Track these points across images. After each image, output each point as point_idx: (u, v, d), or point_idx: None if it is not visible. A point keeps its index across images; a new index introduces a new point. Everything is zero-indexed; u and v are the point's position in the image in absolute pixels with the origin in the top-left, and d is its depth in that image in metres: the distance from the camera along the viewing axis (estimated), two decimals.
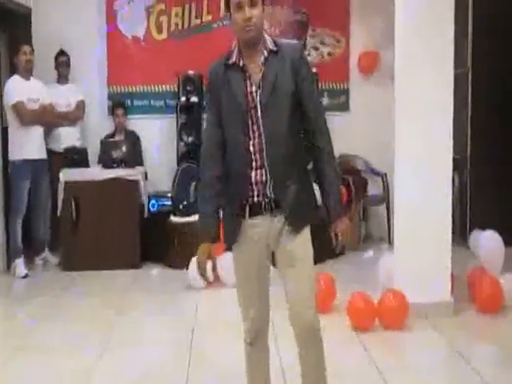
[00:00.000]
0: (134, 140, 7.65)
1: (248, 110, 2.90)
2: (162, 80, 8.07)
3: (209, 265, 3.08)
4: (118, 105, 7.86)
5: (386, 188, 7.61)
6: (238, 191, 2.94)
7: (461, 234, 7.15)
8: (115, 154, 7.15)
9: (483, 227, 5.90)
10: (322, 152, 2.98)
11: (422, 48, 5.10)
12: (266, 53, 2.90)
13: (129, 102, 8.10)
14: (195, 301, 5.80)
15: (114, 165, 7.10)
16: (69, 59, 7.57)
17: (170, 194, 7.23)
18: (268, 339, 3.19)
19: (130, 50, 8.10)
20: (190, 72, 7.81)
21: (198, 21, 8.10)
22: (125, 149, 7.16)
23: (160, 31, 8.12)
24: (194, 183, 7.04)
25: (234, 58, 2.91)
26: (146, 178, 7.39)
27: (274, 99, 2.89)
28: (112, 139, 7.58)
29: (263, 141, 2.90)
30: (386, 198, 7.62)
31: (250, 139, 2.91)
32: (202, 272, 3.12)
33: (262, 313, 3.11)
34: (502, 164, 7.23)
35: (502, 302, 5.24)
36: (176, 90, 7.92)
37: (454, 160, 5.40)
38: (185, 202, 7.01)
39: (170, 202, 7.19)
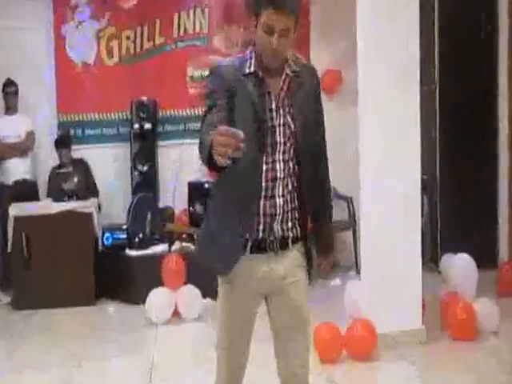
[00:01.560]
0: (84, 169, 7.52)
1: (266, 129, 2.67)
2: (114, 107, 7.98)
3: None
4: (62, 145, 7.53)
5: (352, 213, 7.56)
6: (241, 221, 2.67)
7: (431, 258, 7.10)
8: (66, 186, 7.07)
9: (455, 250, 5.87)
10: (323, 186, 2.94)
11: (385, 65, 5.08)
12: (289, 72, 2.71)
13: (80, 131, 7.99)
14: (154, 337, 5.71)
15: (65, 197, 7.00)
16: (17, 89, 7.44)
17: (124, 226, 7.13)
18: None
19: (80, 76, 7.99)
20: (143, 98, 7.76)
21: (151, 44, 8.04)
22: (76, 180, 7.08)
23: (111, 56, 8.03)
24: (149, 214, 6.97)
25: (252, 67, 2.69)
26: (99, 209, 7.31)
27: (302, 126, 2.73)
28: (62, 170, 7.43)
29: (286, 167, 2.70)
30: (352, 224, 7.56)
31: (267, 162, 2.68)
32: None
33: (243, 365, 2.88)
34: (474, 183, 7.18)
35: (477, 328, 5.19)
36: (129, 116, 7.85)
37: (424, 181, 5.39)
38: (141, 235, 6.91)
39: (125, 235, 7.08)
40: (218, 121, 2.53)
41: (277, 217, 2.70)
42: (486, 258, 6.27)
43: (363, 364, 4.79)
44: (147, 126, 7.72)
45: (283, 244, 2.74)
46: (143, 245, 6.84)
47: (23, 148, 7.36)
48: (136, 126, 7.73)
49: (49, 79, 7.93)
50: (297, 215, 2.75)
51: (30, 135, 7.42)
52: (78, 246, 6.78)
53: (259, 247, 2.71)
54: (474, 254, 5.59)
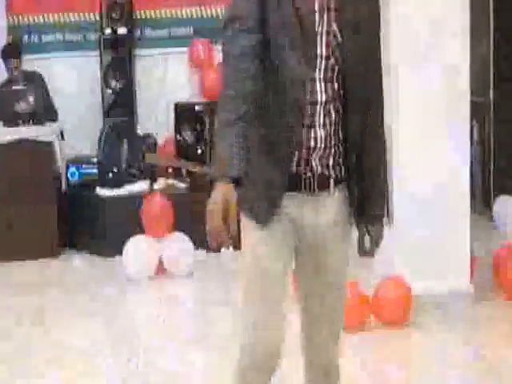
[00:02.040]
0: (39, 86, 7.43)
1: (317, 32, 2.58)
2: (80, 6, 7.95)
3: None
4: (9, 54, 7.45)
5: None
6: (282, 155, 2.61)
7: (483, 201, 7.13)
8: (19, 107, 7.00)
9: (511, 192, 5.90)
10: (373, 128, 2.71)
11: None
12: None
13: (35, 37, 7.97)
14: (134, 299, 5.83)
15: (19, 121, 6.97)
16: None
17: (94, 159, 7.16)
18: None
19: None
20: None
21: None
22: (31, 99, 7.01)
23: None
24: (126, 143, 6.98)
25: None
26: (61, 137, 7.29)
27: (356, 40, 2.60)
28: (13, 88, 7.38)
29: (330, 91, 2.59)
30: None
31: (315, 80, 2.59)
32: (218, 240, 2.49)
33: (280, 325, 2.72)
34: None
35: None
36: (98, 18, 7.82)
37: (474, 104, 5.38)
38: (115, 169, 6.92)
39: (95, 170, 7.11)
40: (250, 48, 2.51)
41: (316, 150, 2.62)
42: None
43: (394, 332, 4.83)
44: (121, 30, 7.69)
45: (322, 183, 2.66)
46: (118, 182, 6.86)
47: None
48: (107, 30, 7.71)
49: None
50: (341, 151, 2.65)
51: None
52: (37, 183, 6.80)
53: (291, 185, 2.63)
54: None
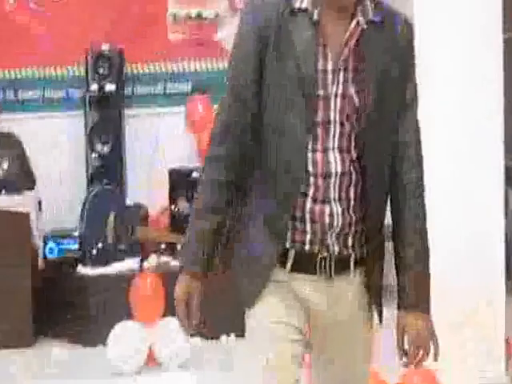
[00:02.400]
0: (16, 150, 7.56)
1: (316, 96, 2.61)
2: (63, 59, 8.08)
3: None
4: None
5: None
6: (277, 227, 2.66)
7: None
8: None
9: None
10: (408, 191, 2.73)
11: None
12: (363, 21, 2.60)
13: (11, 93, 8.10)
14: None
15: None
16: None
17: (76, 233, 7.24)
18: None
19: (13, 16, 8.09)
20: (104, 46, 7.84)
21: None
22: (6, 165, 7.11)
23: None
24: (112, 215, 7.05)
25: (304, 2, 2.60)
26: (39, 208, 7.37)
27: (374, 104, 2.62)
28: None
29: (346, 161, 2.63)
30: None
31: (316, 150, 2.63)
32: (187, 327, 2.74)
33: None
34: None
35: None
36: (83, 73, 7.95)
37: (507, 169, 5.54)
38: (100, 245, 6.99)
39: (76, 245, 7.19)
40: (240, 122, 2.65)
41: (333, 228, 2.63)
42: None
43: None
44: (109, 87, 7.79)
45: (341, 265, 2.67)
46: (103, 260, 6.95)
47: None
48: (94, 86, 7.82)
49: None
50: (362, 229, 2.68)
51: None
52: (9, 261, 6.83)
53: (304, 265, 2.67)
54: None
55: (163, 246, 7.09)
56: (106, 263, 6.94)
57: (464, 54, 5.29)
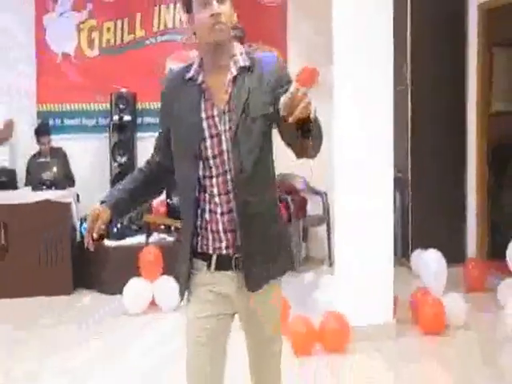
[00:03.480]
0: (62, 159, 7.48)
1: (203, 139, 2.41)
2: (94, 98, 7.97)
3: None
4: (42, 133, 7.54)
5: (327, 208, 7.60)
6: (186, 234, 2.48)
7: (403, 254, 7.18)
8: (45, 176, 7.01)
9: (425, 247, 5.93)
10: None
11: (361, 64, 5.11)
12: (234, 71, 2.42)
13: (59, 121, 7.97)
14: (129, 329, 5.67)
15: (44, 187, 6.95)
16: None
17: None
18: None
19: (60, 67, 7.97)
20: (123, 90, 7.73)
21: (131, 37, 8.01)
22: (55, 169, 7.03)
23: (91, 47, 8.00)
24: None
25: (191, 73, 2.46)
26: (78, 200, 7.26)
27: (245, 125, 2.39)
28: (41, 160, 7.39)
29: (228, 180, 2.40)
30: (326, 218, 7.61)
31: (209, 178, 2.42)
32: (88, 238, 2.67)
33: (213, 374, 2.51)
34: (444, 182, 7.30)
35: (446, 323, 5.25)
36: (108, 108, 7.82)
37: (396, 179, 5.43)
38: (118, 226, 6.87)
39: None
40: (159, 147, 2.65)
41: (222, 236, 2.44)
42: (454, 255, 6.32)
43: (336, 356, 4.82)
44: (126, 117, 7.70)
45: (249, 263, 2.44)
46: (121, 236, 6.82)
47: (2, 136, 7.29)
48: (115, 117, 7.71)
49: (29, 70, 7.87)
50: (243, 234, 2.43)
51: (9, 124, 7.35)
52: (56, 235, 6.74)
53: (223, 265, 2.46)
54: (443, 251, 5.66)
55: (162, 227, 6.98)
56: (122, 238, 6.82)
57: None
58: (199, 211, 2.45)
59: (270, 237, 2.49)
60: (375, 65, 5.12)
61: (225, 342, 2.52)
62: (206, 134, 2.42)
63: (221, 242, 2.45)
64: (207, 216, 2.45)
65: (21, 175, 7.41)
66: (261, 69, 2.44)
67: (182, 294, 2.56)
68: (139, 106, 7.88)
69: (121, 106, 7.72)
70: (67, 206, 6.89)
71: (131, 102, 7.74)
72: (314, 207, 7.81)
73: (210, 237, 2.46)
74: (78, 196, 7.30)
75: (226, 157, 2.41)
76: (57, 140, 7.71)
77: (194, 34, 2.44)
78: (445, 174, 7.30)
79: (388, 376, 4.59)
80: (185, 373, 2.51)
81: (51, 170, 7.09)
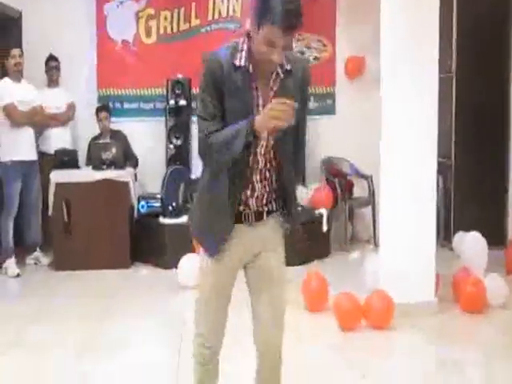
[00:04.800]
0: (122, 140, 7.54)
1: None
2: (151, 83, 8.01)
3: None
4: (102, 108, 7.72)
5: (372, 190, 7.60)
6: (229, 207, 2.68)
7: (445, 236, 7.15)
8: (105, 156, 7.09)
9: (467, 229, 5.92)
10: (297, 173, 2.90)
11: (407, 53, 5.11)
12: (281, 74, 2.62)
13: (119, 104, 8.05)
14: (184, 301, 5.74)
15: (104, 166, 7.03)
16: (59, 64, 7.53)
17: (159, 196, 7.19)
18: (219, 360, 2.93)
19: (119, 53, 8.04)
20: (179, 75, 7.76)
21: (187, 25, 8.06)
22: (114, 150, 7.10)
23: (149, 35, 8.06)
24: (182, 185, 7.03)
25: (242, 61, 2.57)
26: (136, 179, 7.35)
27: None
28: (101, 141, 7.51)
29: (266, 159, 2.68)
30: (371, 200, 7.62)
31: (250, 155, 2.64)
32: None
33: (222, 330, 2.87)
34: (486, 167, 7.24)
35: (486, 302, 5.25)
36: (165, 93, 7.86)
37: (439, 164, 5.42)
38: (174, 204, 6.96)
39: (159, 204, 7.13)
40: (213, 123, 2.60)
41: (254, 196, 2.72)
42: (495, 237, 6.31)
43: (380, 332, 4.86)
44: (182, 102, 7.72)
45: (258, 217, 2.75)
46: (176, 213, 6.89)
47: (64, 118, 7.46)
48: (171, 101, 7.73)
49: (90, 55, 7.97)
50: (273, 195, 2.77)
51: (71, 106, 7.53)
52: (115, 212, 6.84)
53: (237, 220, 2.72)
54: (484, 233, 5.65)
55: None
56: (177, 216, 6.88)
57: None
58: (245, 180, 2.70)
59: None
60: (421, 52, 5.12)
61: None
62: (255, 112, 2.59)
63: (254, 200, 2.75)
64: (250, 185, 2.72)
65: (82, 156, 7.50)
66: (297, 71, 2.66)
67: (216, 251, 2.74)
68: (194, 91, 7.82)
69: (176, 91, 7.73)
70: (126, 184, 6.97)
71: (186, 87, 7.76)
72: (359, 190, 7.84)
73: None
74: (135, 175, 7.39)
75: (261, 143, 2.66)
76: (116, 123, 7.80)
77: (251, 37, 2.56)
78: (487, 159, 7.25)
79: (429, 352, 4.62)
80: (197, 317, 2.84)
81: (111, 150, 7.14)
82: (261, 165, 2.69)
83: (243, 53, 2.57)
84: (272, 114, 2.42)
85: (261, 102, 2.60)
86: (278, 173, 2.73)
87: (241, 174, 2.66)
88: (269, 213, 2.78)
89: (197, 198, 2.90)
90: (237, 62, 2.56)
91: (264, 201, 2.75)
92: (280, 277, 2.83)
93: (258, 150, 2.66)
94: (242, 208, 2.72)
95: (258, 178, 2.70)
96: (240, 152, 2.51)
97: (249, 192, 2.71)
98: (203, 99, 2.63)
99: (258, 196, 2.73)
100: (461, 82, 7.15)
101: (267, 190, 2.74)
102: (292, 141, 2.73)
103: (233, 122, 2.56)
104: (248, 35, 2.58)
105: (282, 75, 2.61)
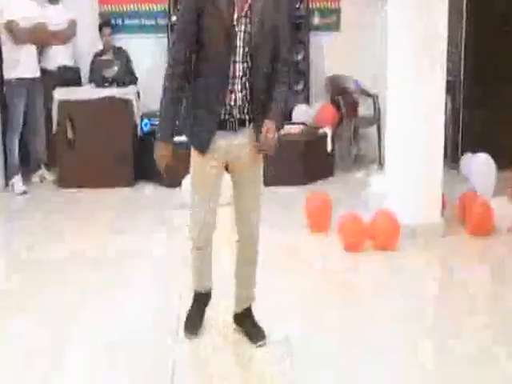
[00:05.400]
0: (124, 58, 7.33)
1: (233, 35, 2.97)
2: None
3: None
4: (105, 24, 7.52)
5: (378, 109, 7.37)
6: (214, 107, 3.06)
7: (452, 157, 6.90)
8: (107, 73, 6.92)
9: (475, 150, 5.73)
10: (283, 62, 3.13)
11: None
12: None
13: (120, 20, 7.79)
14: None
15: (107, 84, 6.86)
16: None
17: None
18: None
19: None
20: None
21: None
22: (116, 67, 6.92)
23: None
24: (185, 101, 6.82)
25: None
26: (138, 97, 7.16)
27: (260, 34, 3.00)
28: (103, 58, 7.28)
29: (244, 68, 3.03)
30: (377, 119, 7.41)
31: (229, 63, 3.01)
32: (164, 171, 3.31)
33: (214, 218, 3.26)
34: (496, 85, 6.88)
35: (493, 224, 5.10)
36: (167, 9, 7.61)
37: (447, 81, 5.18)
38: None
39: None
40: (188, 34, 3.03)
41: (236, 106, 3.07)
42: (504, 160, 6.03)
43: (385, 253, 4.74)
44: None
45: (240, 124, 3.11)
46: (179, 133, 6.70)
47: (66, 35, 7.22)
48: (173, 18, 7.43)
49: None
50: (252, 105, 3.09)
51: (72, 23, 7.28)
52: (119, 130, 6.70)
53: (222, 127, 3.09)
54: (493, 155, 5.46)
55: None
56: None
57: None
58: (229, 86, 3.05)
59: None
60: None
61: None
62: (233, 31, 2.98)
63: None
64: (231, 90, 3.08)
65: (84, 73, 7.32)
66: None
67: (206, 147, 3.14)
68: None
69: (179, 7, 7.42)
70: (129, 102, 6.81)
71: None
72: (365, 108, 7.61)
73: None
74: (138, 93, 7.20)
75: (241, 52, 3.02)
76: (117, 39, 7.57)
77: None
78: (498, 78, 6.89)
79: (434, 273, 4.52)
80: (193, 213, 3.29)
81: (113, 67, 6.98)
82: (240, 73, 3.03)
83: None
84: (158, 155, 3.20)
85: (236, 15, 2.95)
86: (254, 82, 3.07)
87: (221, 81, 3.02)
88: (250, 121, 3.13)
89: (187, 102, 3.23)
90: None
91: (245, 110, 3.10)
92: (256, 177, 3.24)
93: (237, 59, 3.01)
94: (227, 116, 3.07)
95: (239, 87, 3.05)
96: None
97: (232, 102, 3.06)
98: (182, 14, 3.11)
99: (240, 105, 3.07)
100: None
101: (247, 99, 3.08)
102: (269, 51, 3.07)
103: (211, 35, 2.98)
104: None
105: None
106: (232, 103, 3.05)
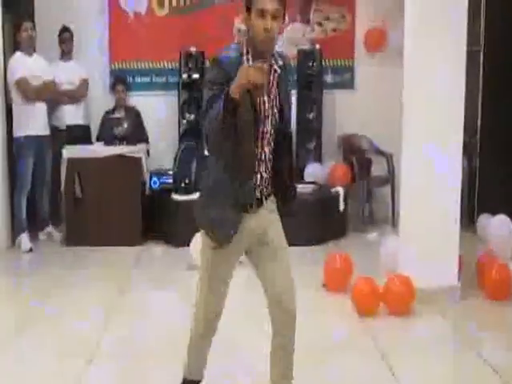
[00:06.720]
0: (135, 116, 7.36)
1: (262, 118, 2.82)
2: (164, 56, 7.79)
3: None
4: (119, 81, 7.57)
5: (392, 169, 7.28)
6: (239, 196, 2.84)
7: (469, 217, 6.75)
8: (117, 131, 6.95)
9: (491, 212, 5.60)
10: (288, 136, 3.04)
11: (432, 25, 4.78)
12: (277, 68, 2.84)
13: (131, 78, 7.82)
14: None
15: (116, 141, 6.86)
16: (72, 35, 7.29)
17: (171, 172, 6.99)
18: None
19: (131, 26, 7.81)
20: (192, 49, 7.50)
21: None
22: (126, 125, 6.95)
23: (161, 7, 7.80)
24: (195, 161, 6.82)
25: (250, 62, 2.76)
26: (148, 154, 7.16)
27: (281, 116, 2.92)
28: (113, 116, 7.30)
29: (269, 149, 2.88)
30: (390, 179, 7.31)
31: (258, 147, 2.85)
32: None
33: (222, 307, 3.07)
34: None
35: None
36: (178, 66, 7.63)
37: (464, 143, 5.09)
38: (187, 180, 6.76)
39: (171, 180, 6.94)
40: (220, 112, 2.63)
41: (258, 187, 2.89)
42: None
43: (400, 318, 4.59)
44: (195, 75, 7.47)
45: (259, 204, 2.92)
46: (188, 190, 6.66)
47: (77, 95, 7.24)
48: (184, 75, 7.50)
49: (102, 29, 7.77)
50: (271, 182, 2.94)
51: (84, 83, 7.30)
52: (127, 188, 6.66)
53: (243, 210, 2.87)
54: (510, 216, 5.33)
55: None
56: (190, 192, 6.62)
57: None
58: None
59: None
60: (448, 25, 4.78)
61: None
62: (261, 115, 2.81)
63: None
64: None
65: (94, 130, 7.34)
66: (285, 67, 2.90)
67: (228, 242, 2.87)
68: (207, 64, 7.59)
69: (189, 65, 7.50)
70: (138, 160, 6.80)
71: (200, 60, 7.50)
72: (378, 168, 7.52)
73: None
74: (148, 151, 7.20)
75: (268, 134, 2.87)
76: (129, 96, 7.60)
77: (249, 30, 2.78)
78: None
79: (452, 339, 4.37)
80: (202, 304, 3.03)
81: (123, 125, 7.01)
82: (266, 156, 2.88)
83: (249, 55, 2.78)
84: (242, 74, 2.56)
85: (265, 97, 2.80)
86: (275, 161, 2.93)
87: (250, 166, 2.83)
88: (266, 197, 2.95)
89: (206, 192, 2.96)
90: (245, 64, 2.73)
91: (265, 189, 2.93)
92: (281, 243, 2.98)
93: (265, 142, 2.86)
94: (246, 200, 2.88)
95: (263, 168, 2.88)
96: (221, 114, 2.57)
97: (257, 183, 2.88)
98: (210, 88, 2.76)
99: (262, 186, 2.90)
100: (489, 56, 6.73)
101: (269, 178, 2.93)
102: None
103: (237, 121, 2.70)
104: (248, 36, 2.79)
105: (278, 70, 2.83)
106: (255, 184, 2.88)
